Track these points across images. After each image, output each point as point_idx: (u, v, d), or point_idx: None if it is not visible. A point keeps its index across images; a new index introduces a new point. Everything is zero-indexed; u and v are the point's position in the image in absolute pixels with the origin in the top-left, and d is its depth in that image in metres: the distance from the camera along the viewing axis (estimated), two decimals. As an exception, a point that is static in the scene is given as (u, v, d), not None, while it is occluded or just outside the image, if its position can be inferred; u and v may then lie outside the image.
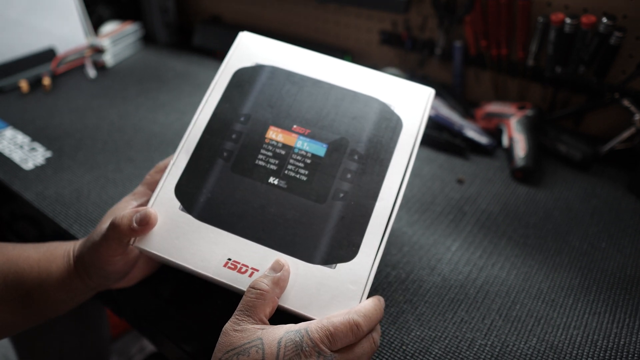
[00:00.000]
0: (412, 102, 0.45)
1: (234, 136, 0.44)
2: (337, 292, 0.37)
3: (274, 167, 0.42)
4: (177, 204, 0.41)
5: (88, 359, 0.89)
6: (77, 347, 0.86)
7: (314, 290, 0.38)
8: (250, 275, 0.38)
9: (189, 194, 0.42)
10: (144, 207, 0.40)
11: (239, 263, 0.39)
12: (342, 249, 0.39)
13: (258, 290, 0.35)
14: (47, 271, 0.42)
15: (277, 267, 0.37)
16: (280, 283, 0.36)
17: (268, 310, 0.35)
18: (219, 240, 0.39)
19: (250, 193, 0.41)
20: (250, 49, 0.48)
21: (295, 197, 0.41)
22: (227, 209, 0.41)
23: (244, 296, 0.36)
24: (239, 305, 0.35)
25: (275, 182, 0.42)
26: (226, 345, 0.33)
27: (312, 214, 0.40)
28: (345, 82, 0.46)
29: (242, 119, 0.44)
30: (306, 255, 0.39)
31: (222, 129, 0.44)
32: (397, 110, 0.45)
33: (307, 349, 0.32)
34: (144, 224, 0.39)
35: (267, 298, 0.35)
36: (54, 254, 0.43)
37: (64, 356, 0.84)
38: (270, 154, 0.43)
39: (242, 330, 0.33)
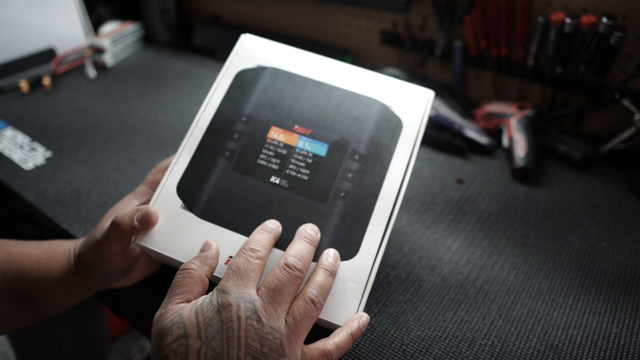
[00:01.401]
0: (412, 104, 0.45)
1: (235, 136, 0.44)
2: (338, 290, 0.38)
3: (275, 167, 0.42)
4: (179, 202, 0.41)
5: (86, 357, 0.89)
6: (76, 344, 0.86)
7: None
8: None
9: (191, 192, 0.42)
10: (145, 205, 0.40)
11: None
12: (343, 247, 0.39)
13: (185, 270, 0.35)
14: (47, 269, 0.42)
15: (204, 248, 0.37)
16: (207, 261, 0.36)
17: (197, 289, 0.34)
18: (221, 238, 0.40)
19: (251, 192, 0.42)
20: (252, 51, 0.49)
21: (296, 196, 0.41)
22: (228, 208, 0.41)
23: (173, 279, 0.35)
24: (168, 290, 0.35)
25: (277, 181, 0.42)
26: (155, 333, 0.32)
27: (313, 212, 0.40)
28: (346, 83, 0.47)
29: (244, 119, 0.45)
30: None
31: (224, 128, 0.44)
32: (398, 111, 0.45)
33: (223, 301, 0.32)
34: (145, 221, 0.39)
35: (195, 276, 0.34)
36: (55, 252, 0.43)
37: (62, 354, 0.84)
38: (271, 153, 0.43)
39: (165, 312, 0.33)
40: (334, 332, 0.36)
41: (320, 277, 0.36)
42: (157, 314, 0.33)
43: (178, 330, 0.31)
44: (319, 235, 0.39)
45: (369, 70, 0.48)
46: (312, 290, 0.35)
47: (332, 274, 0.37)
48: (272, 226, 0.38)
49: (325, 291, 0.35)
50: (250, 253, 0.35)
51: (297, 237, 0.38)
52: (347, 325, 0.36)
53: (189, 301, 0.33)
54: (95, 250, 0.40)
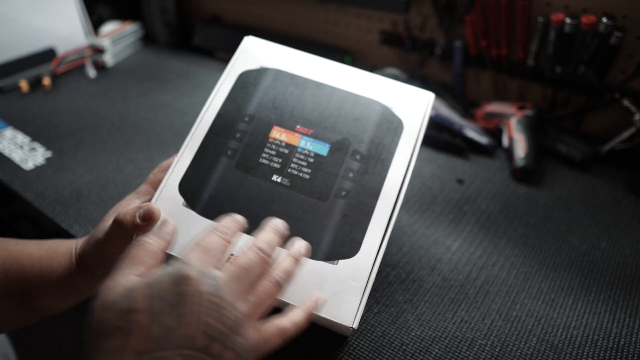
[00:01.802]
0: (413, 106, 0.46)
1: (238, 135, 0.44)
2: (339, 288, 0.38)
3: (277, 166, 0.43)
4: (181, 200, 0.41)
5: (87, 358, 0.89)
6: (77, 344, 0.86)
7: (316, 286, 0.38)
8: None
9: (193, 190, 0.42)
10: (147, 203, 0.40)
11: None
12: (344, 245, 0.39)
13: (140, 243, 0.34)
14: (48, 268, 0.42)
15: (162, 224, 0.37)
16: (164, 236, 0.36)
17: (151, 262, 0.33)
18: None
19: (253, 190, 0.42)
20: (255, 53, 0.49)
21: (298, 194, 0.41)
22: (230, 206, 0.41)
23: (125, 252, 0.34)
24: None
25: (279, 180, 0.42)
26: (98, 306, 0.30)
27: (314, 211, 0.41)
28: (347, 85, 0.47)
29: (246, 119, 0.45)
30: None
31: (226, 128, 0.45)
32: (398, 112, 0.46)
33: (182, 273, 0.30)
34: (147, 219, 0.38)
35: (149, 249, 0.33)
36: (56, 252, 0.43)
37: (63, 353, 0.84)
38: (273, 152, 0.43)
39: (114, 284, 0.30)
40: (288, 309, 0.36)
41: (287, 262, 0.36)
42: (104, 286, 0.30)
43: (127, 303, 0.28)
44: (287, 232, 0.39)
45: (370, 73, 0.48)
46: (278, 273, 0.35)
47: (298, 262, 0.37)
48: (239, 219, 0.37)
49: (289, 277, 0.36)
50: (220, 234, 0.35)
51: (266, 226, 0.37)
52: (304, 304, 0.36)
53: (141, 274, 0.31)
54: (97, 249, 0.40)
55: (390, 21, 0.89)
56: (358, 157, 0.43)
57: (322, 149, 0.44)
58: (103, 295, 0.30)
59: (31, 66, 0.90)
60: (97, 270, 0.41)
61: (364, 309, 0.45)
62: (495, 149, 0.76)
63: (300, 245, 0.38)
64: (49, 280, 0.42)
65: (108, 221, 0.41)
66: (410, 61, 0.91)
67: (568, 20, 0.68)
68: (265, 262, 0.34)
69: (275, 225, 0.38)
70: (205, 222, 0.40)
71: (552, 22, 0.69)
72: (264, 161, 0.43)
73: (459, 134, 0.75)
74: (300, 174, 0.42)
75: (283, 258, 0.37)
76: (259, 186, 0.42)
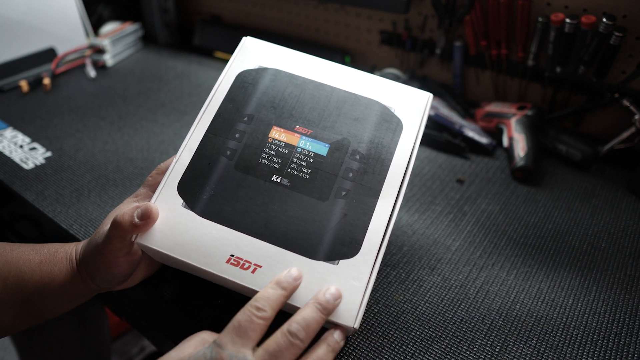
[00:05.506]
0: (411, 106, 0.46)
1: (237, 135, 0.44)
2: (340, 288, 0.38)
3: (277, 166, 0.43)
4: (180, 201, 0.41)
5: (88, 361, 0.89)
6: (78, 348, 0.86)
7: (317, 286, 0.38)
8: (252, 272, 0.38)
9: (192, 191, 0.42)
10: (146, 202, 0.40)
11: (241, 259, 0.39)
12: (344, 245, 0.39)
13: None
14: (49, 275, 0.42)
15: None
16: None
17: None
18: (222, 236, 0.40)
19: (253, 190, 0.42)
20: (254, 53, 0.49)
21: (298, 194, 0.42)
22: (230, 206, 0.41)
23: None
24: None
25: (279, 180, 0.42)
26: None
27: (314, 211, 0.41)
28: (346, 85, 0.47)
29: (245, 118, 0.45)
30: (309, 251, 0.39)
31: (225, 128, 0.45)
32: (398, 112, 0.46)
33: (216, 356, 0.32)
34: (146, 218, 0.38)
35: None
36: (56, 258, 0.43)
37: (64, 357, 0.84)
38: (273, 152, 0.43)
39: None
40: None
41: (322, 351, 0.35)
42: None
43: None
44: (338, 301, 0.37)
45: (369, 73, 0.48)
46: (295, 326, 0.34)
47: (334, 353, 0.36)
48: (289, 280, 0.37)
49: (309, 327, 0.34)
50: (255, 312, 0.34)
51: (312, 301, 0.36)
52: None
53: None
54: (98, 254, 0.39)
55: (390, 21, 0.89)
56: (358, 157, 0.43)
57: (322, 149, 0.44)
58: None
59: (31, 66, 0.90)
60: (98, 276, 0.41)
61: (365, 309, 0.45)
62: (495, 149, 0.76)
63: (339, 336, 0.37)
64: (50, 286, 0.41)
65: (107, 225, 0.40)
66: (410, 61, 0.91)
67: (568, 20, 0.68)
68: (296, 347, 0.34)
69: (322, 300, 0.36)
70: (205, 223, 0.40)
71: (552, 22, 0.69)
72: (264, 161, 0.43)
73: (459, 134, 0.75)
74: (300, 174, 0.42)
75: (319, 347, 0.36)
76: (259, 186, 0.42)
